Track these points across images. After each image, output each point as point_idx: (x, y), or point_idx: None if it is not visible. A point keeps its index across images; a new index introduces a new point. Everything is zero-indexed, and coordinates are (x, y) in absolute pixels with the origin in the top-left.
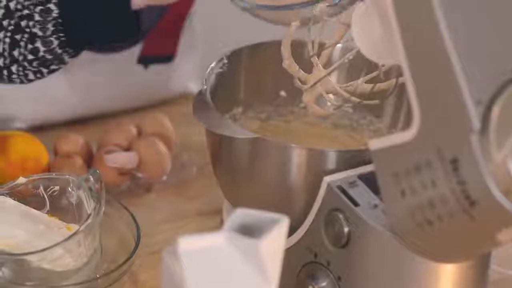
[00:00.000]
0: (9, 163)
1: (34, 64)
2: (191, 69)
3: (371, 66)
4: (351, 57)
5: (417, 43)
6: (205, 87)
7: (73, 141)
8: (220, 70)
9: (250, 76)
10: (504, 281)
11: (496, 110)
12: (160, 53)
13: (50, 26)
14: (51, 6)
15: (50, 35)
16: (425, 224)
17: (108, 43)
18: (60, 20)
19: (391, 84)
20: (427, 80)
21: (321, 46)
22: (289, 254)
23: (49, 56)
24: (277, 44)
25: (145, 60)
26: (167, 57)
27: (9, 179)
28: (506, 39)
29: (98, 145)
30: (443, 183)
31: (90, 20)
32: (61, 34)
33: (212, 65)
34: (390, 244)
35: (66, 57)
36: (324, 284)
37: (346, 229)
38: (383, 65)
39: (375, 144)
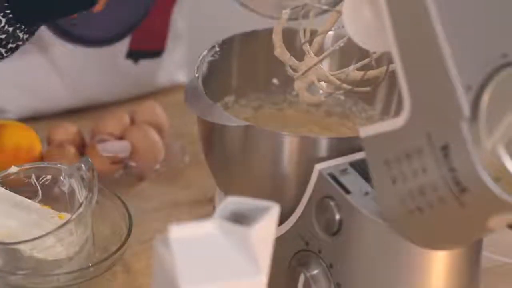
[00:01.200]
0: (2, 153)
1: None
2: (178, 60)
3: (362, 53)
4: (342, 44)
5: (407, 30)
6: (197, 75)
7: (66, 130)
8: (212, 58)
9: (242, 64)
10: (497, 268)
11: (486, 97)
12: (149, 48)
13: None
14: None
15: None
16: (416, 211)
17: (58, 16)
18: None
19: (382, 71)
20: (417, 67)
21: (313, 33)
22: (281, 242)
23: (1, 36)
24: (269, 31)
25: (134, 55)
26: (157, 52)
27: (1, 168)
28: (496, 25)
29: (91, 134)
30: (434, 170)
31: None
32: (7, 11)
33: (204, 53)
34: (382, 231)
35: (20, 34)
36: (316, 271)
37: (337, 217)
38: (374, 52)
39: (366, 131)
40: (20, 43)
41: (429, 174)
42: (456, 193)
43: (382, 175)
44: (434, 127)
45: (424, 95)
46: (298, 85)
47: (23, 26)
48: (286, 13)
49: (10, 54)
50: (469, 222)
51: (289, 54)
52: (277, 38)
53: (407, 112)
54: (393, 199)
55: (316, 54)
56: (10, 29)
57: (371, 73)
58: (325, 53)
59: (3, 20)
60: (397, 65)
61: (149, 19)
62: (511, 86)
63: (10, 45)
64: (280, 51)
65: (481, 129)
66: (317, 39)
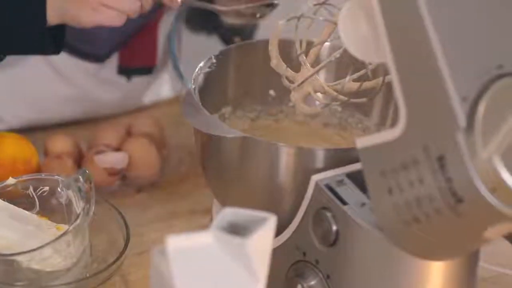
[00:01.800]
0: None
1: None
2: (171, 73)
3: (358, 64)
4: (338, 55)
5: (403, 41)
6: (194, 86)
7: (64, 142)
8: (209, 69)
9: (239, 75)
10: (494, 279)
11: (481, 108)
12: (141, 65)
13: None
14: None
15: None
16: (412, 221)
17: (24, 53)
18: None
19: (378, 82)
20: (413, 78)
21: (309, 45)
22: (278, 253)
23: None
24: (265, 43)
25: (125, 72)
26: (148, 69)
27: None
28: (491, 36)
29: (89, 145)
30: (430, 181)
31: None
32: None
33: (201, 64)
34: (378, 242)
35: None
36: (313, 282)
37: (334, 228)
38: (370, 64)
39: (362, 142)
40: None
41: (425, 184)
42: (453, 204)
43: (378, 186)
44: (430, 138)
45: (420, 106)
46: (295, 96)
47: None
48: (282, 24)
49: None
50: (466, 233)
51: (285, 65)
52: (273, 50)
53: (403, 123)
54: (389, 210)
55: (312, 65)
56: None
57: (367, 84)
58: (321, 64)
59: None
60: (393, 76)
61: (138, 36)
62: (507, 97)
63: None
64: (276, 62)
65: (477, 139)
66: (313, 50)
